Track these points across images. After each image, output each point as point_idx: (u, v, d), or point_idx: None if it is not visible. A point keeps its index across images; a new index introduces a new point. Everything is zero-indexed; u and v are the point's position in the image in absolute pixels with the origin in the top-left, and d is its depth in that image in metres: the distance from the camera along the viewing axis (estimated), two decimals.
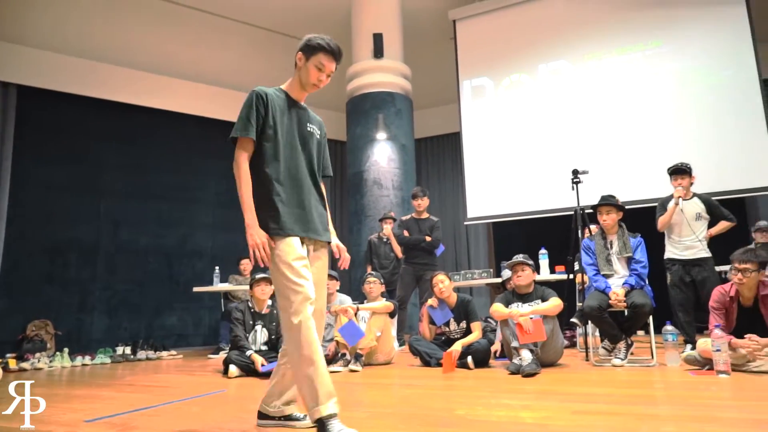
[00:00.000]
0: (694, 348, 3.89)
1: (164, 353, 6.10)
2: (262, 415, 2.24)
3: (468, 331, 4.23)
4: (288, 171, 2.13)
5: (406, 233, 5.65)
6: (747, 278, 3.32)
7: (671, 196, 4.36)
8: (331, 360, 4.45)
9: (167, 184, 7.54)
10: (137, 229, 7.21)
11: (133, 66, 7.33)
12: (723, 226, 4.40)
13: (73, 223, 6.74)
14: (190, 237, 7.66)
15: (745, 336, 3.28)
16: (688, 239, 4.28)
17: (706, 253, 4.28)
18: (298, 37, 8.12)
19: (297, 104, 2.25)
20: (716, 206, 4.37)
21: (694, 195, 4.38)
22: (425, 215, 5.72)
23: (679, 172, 4.34)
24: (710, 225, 4.43)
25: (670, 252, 4.39)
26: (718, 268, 4.58)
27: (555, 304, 3.86)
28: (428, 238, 5.54)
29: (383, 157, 7.14)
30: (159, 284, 7.29)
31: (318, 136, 2.29)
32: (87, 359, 5.57)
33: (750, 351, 3.23)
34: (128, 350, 5.92)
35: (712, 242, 4.39)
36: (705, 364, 3.39)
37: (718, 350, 3.17)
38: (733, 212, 4.49)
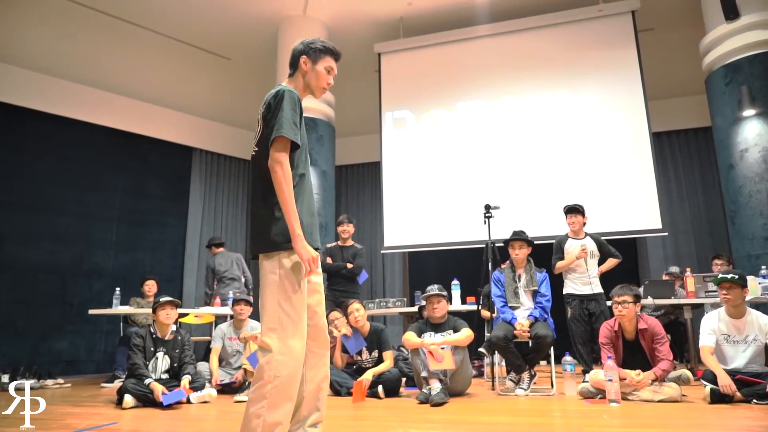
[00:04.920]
0: None
1: (49, 381, 5.54)
2: None
3: (380, 360, 4.23)
4: (307, 177, 2.07)
5: (329, 260, 5.62)
6: (627, 309, 3.65)
7: (566, 236, 4.72)
8: (238, 389, 4.27)
9: (65, 197, 6.97)
10: (25, 245, 6.59)
11: (30, 67, 6.74)
12: (611, 263, 4.77)
13: None
14: (89, 255, 7.11)
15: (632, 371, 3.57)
16: (585, 276, 4.60)
17: (599, 289, 4.61)
18: (223, 55, 8.06)
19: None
20: (605, 244, 4.75)
21: (587, 234, 4.75)
22: (350, 242, 5.73)
23: (573, 211, 4.72)
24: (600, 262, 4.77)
25: (570, 288, 4.67)
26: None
27: (466, 335, 3.97)
28: (350, 265, 5.54)
29: None
30: (49, 305, 6.66)
31: None
32: None
33: (634, 383, 3.50)
34: (6, 378, 5.31)
35: (603, 279, 4.74)
36: (597, 393, 3.63)
37: (610, 380, 3.41)
38: (625, 251, 4.89)
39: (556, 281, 4.55)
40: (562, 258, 4.68)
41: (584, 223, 4.75)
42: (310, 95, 2.21)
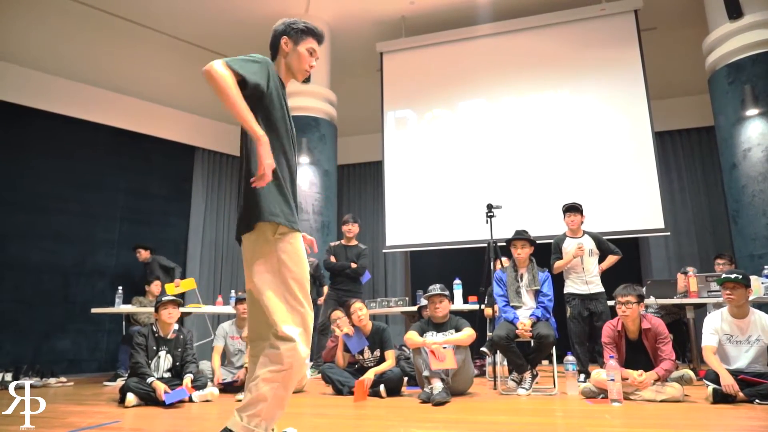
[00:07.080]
0: (588, 376, 4.19)
1: (52, 380, 5.55)
2: None
3: (382, 360, 4.23)
4: (290, 155, 1.98)
5: (333, 259, 5.63)
6: (630, 309, 3.65)
7: (564, 236, 4.73)
8: (241, 387, 4.27)
9: (67, 197, 6.98)
10: (28, 244, 6.60)
11: (32, 65, 6.74)
12: (612, 260, 4.76)
13: None
14: (91, 254, 7.12)
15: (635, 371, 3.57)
16: (585, 275, 4.60)
17: (600, 288, 4.62)
18: (226, 55, 8.03)
19: (284, 90, 2.07)
20: (604, 241, 4.76)
21: (585, 233, 4.75)
22: (354, 242, 5.73)
23: (572, 210, 4.74)
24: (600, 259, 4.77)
25: (570, 287, 4.70)
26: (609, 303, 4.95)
27: (468, 334, 3.96)
28: (354, 265, 5.54)
29: (305, 181, 7.10)
30: (51, 304, 6.66)
31: None
32: None
33: (636, 383, 3.50)
34: (9, 377, 5.33)
35: (606, 279, 4.73)
36: (599, 393, 3.62)
37: (612, 380, 3.40)
38: (627, 251, 4.88)
39: (558, 281, 4.54)
40: (560, 258, 4.70)
41: (582, 222, 4.75)
42: (292, 80, 2.12)
